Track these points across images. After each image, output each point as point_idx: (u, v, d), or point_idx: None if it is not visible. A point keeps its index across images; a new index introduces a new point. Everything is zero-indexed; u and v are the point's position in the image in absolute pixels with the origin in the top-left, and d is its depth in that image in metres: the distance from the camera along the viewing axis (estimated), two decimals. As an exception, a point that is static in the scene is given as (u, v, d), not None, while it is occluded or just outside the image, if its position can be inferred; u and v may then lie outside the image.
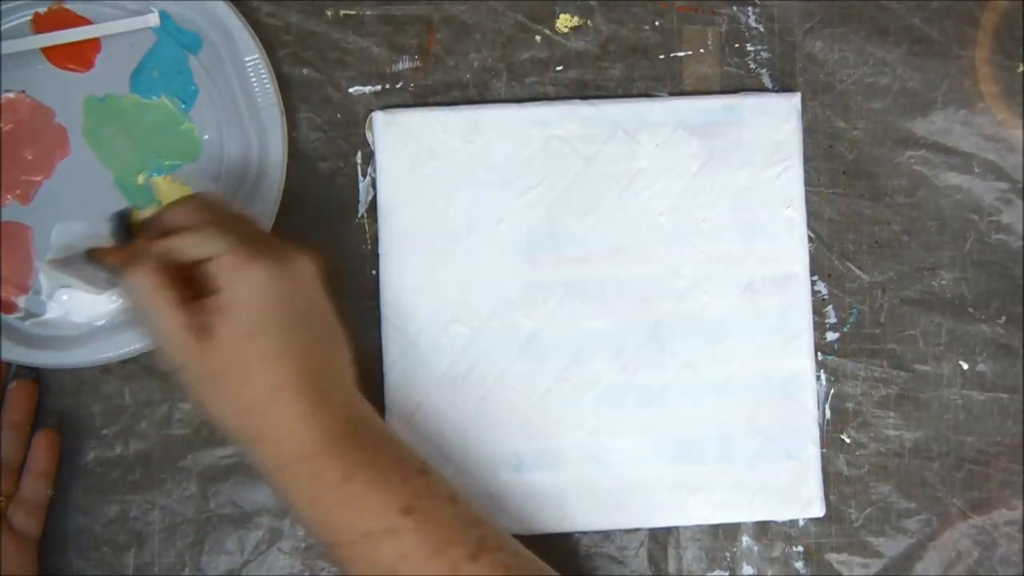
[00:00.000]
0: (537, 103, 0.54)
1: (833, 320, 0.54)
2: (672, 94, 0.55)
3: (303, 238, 0.53)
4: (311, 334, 0.42)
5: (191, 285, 0.42)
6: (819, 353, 0.54)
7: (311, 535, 0.45)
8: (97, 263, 0.45)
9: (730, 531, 0.54)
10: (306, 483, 0.42)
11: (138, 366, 0.53)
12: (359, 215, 0.54)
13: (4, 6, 0.52)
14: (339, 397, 0.43)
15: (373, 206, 0.54)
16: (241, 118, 0.53)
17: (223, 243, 0.41)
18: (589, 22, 0.55)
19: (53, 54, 0.53)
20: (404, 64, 0.55)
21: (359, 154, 0.54)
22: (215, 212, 0.44)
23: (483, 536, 0.43)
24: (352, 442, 0.43)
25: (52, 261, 0.49)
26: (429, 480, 0.44)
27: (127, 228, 0.46)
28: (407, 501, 0.42)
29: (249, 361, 0.41)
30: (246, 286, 0.40)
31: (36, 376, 0.52)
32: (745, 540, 0.54)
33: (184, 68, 0.53)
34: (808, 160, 0.54)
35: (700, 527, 0.54)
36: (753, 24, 0.55)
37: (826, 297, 0.54)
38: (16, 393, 0.51)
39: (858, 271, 0.55)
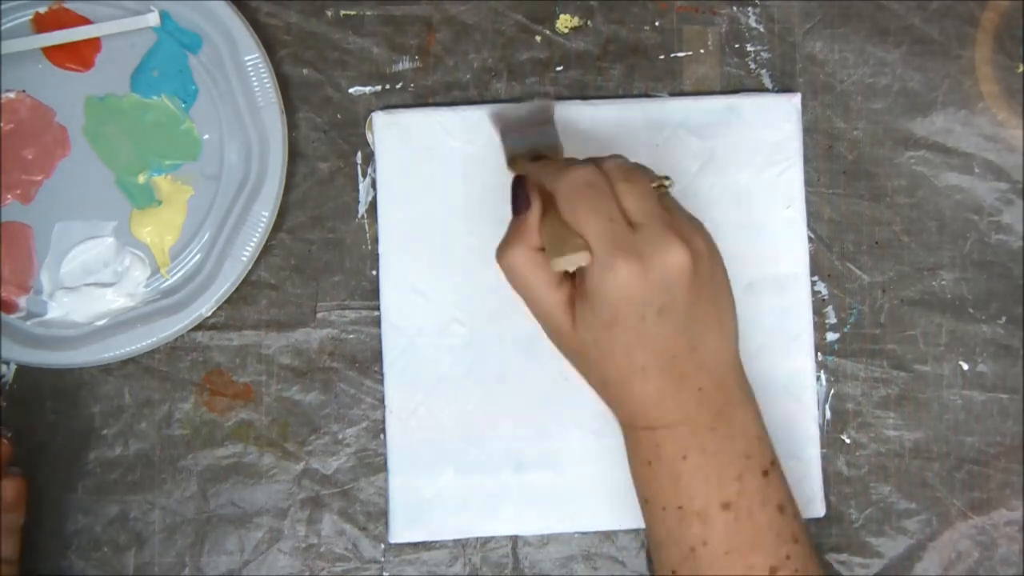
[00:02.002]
0: (537, 103, 0.54)
1: (833, 320, 0.54)
2: (672, 94, 0.55)
3: (303, 239, 0.54)
4: (671, 326, 0.41)
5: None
6: (819, 353, 0.54)
7: (634, 484, 0.46)
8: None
9: (730, 531, 0.54)
10: (645, 448, 0.44)
11: (138, 366, 0.53)
12: (359, 215, 0.54)
13: (4, 5, 0.52)
14: (703, 380, 0.43)
15: (373, 206, 0.54)
16: (241, 118, 0.53)
17: (594, 234, 0.41)
18: (589, 22, 0.55)
19: (53, 54, 0.53)
20: (404, 64, 0.55)
21: (359, 154, 0.54)
22: (599, 192, 0.41)
23: (790, 555, 0.44)
24: (700, 425, 0.43)
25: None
26: (766, 483, 0.44)
27: (523, 196, 0.44)
28: (730, 497, 0.43)
29: (607, 346, 0.42)
30: (607, 282, 0.40)
31: (11, 436, 0.51)
32: (745, 540, 0.54)
33: (184, 68, 0.53)
34: (808, 160, 0.54)
35: (700, 527, 0.54)
36: (753, 24, 0.55)
37: (826, 297, 0.54)
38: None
39: (858, 271, 0.55)
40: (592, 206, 0.41)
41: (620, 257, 0.40)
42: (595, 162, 0.43)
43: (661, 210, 0.42)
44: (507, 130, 0.50)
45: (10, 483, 0.48)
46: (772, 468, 0.45)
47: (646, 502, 0.45)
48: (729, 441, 0.44)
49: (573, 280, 0.43)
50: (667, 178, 0.44)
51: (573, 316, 0.42)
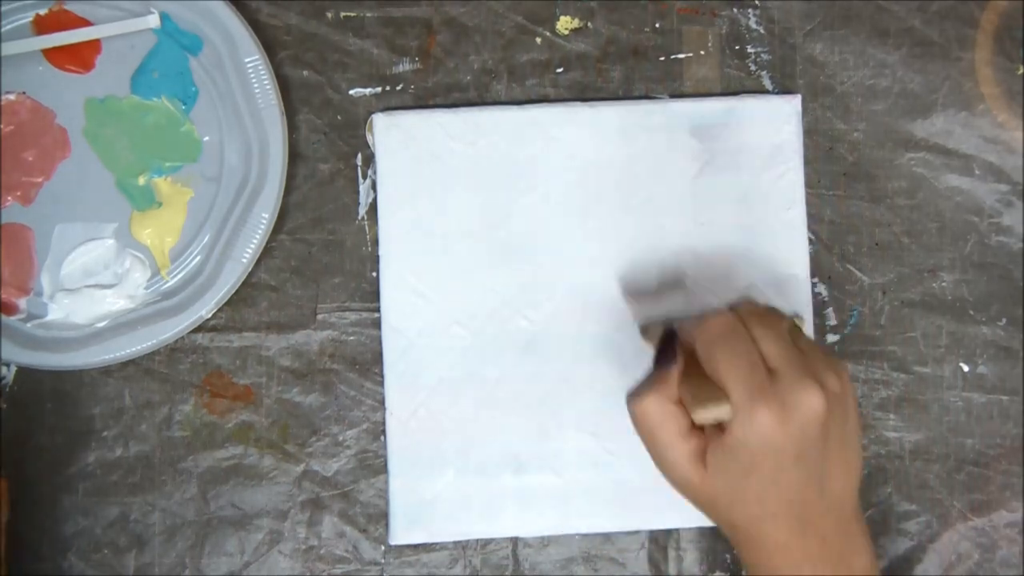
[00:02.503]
0: (537, 105, 0.54)
1: (833, 322, 0.54)
2: (672, 96, 0.55)
3: (303, 241, 0.54)
4: (804, 472, 0.42)
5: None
6: (819, 355, 0.54)
7: None
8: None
9: (730, 533, 0.54)
10: None
11: (138, 368, 0.53)
12: (359, 217, 0.54)
13: (5, 7, 0.52)
14: (828, 526, 0.43)
15: (373, 208, 0.54)
16: (241, 120, 0.53)
17: (734, 383, 0.41)
18: (589, 24, 0.55)
19: (54, 55, 0.53)
20: (404, 66, 0.55)
21: (359, 156, 0.54)
22: (738, 339, 0.42)
23: None
24: (823, 571, 0.43)
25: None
26: None
27: (671, 348, 0.46)
28: None
29: (741, 493, 0.42)
30: (749, 432, 0.41)
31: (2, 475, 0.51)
32: (745, 542, 0.54)
33: (184, 69, 0.53)
34: (808, 162, 0.54)
35: (700, 529, 0.54)
36: (753, 26, 0.55)
37: (826, 299, 0.54)
38: None
39: (858, 273, 0.55)
40: (732, 354, 0.42)
41: (761, 405, 0.40)
42: (730, 311, 0.43)
43: (797, 353, 0.42)
44: (640, 299, 0.53)
45: None
46: None
47: None
48: None
49: (701, 431, 0.43)
50: (799, 316, 0.46)
51: (703, 465, 0.43)
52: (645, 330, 0.51)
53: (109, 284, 0.53)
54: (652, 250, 0.53)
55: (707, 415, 0.42)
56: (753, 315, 0.43)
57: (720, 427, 0.42)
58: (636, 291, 0.53)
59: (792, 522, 0.42)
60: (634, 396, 0.44)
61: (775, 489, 0.42)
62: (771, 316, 0.44)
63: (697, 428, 0.43)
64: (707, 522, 0.53)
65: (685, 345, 0.44)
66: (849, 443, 0.43)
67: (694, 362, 0.43)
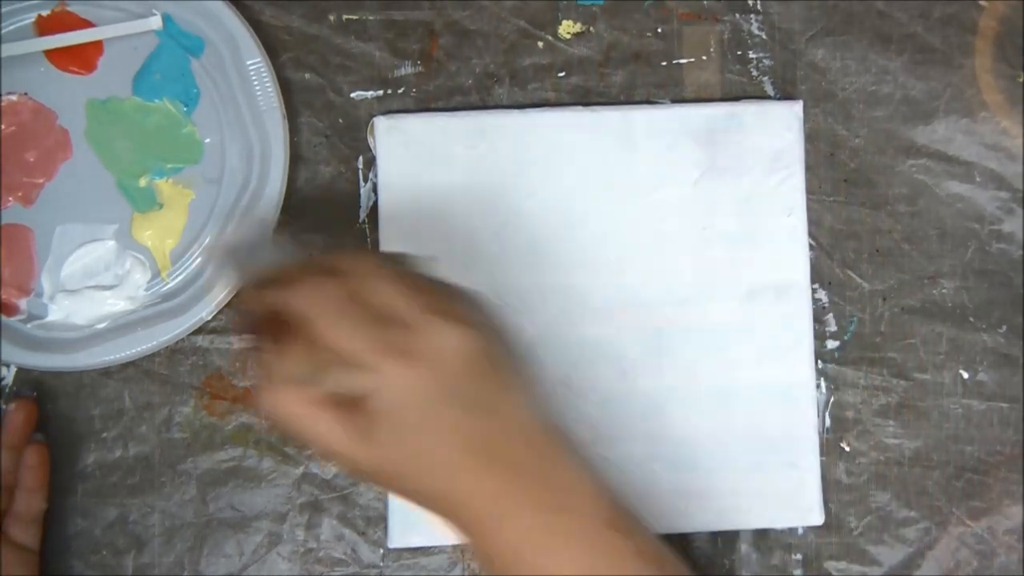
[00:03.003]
0: (539, 109, 0.54)
1: (833, 328, 0.54)
2: (674, 101, 0.55)
3: (305, 243, 0.54)
4: (462, 410, 0.39)
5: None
6: (819, 361, 0.54)
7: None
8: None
9: (729, 538, 0.54)
10: (488, 544, 0.41)
11: (138, 369, 0.53)
12: (360, 220, 0.54)
13: (6, 8, 0.52)
14: (519, 454, 0.40)
15: (374, 211, 0.54)
16: (243, 122, 0.53)
17: (358, 350, 0.38)
18: (591, 28, 0.55)
19: (55, 56, 0.53)
20: (406, 69, 0.55)
21: (360, 159, 0.54)
22: (349, 300, 0.39)
23: None
24: (530, 503, 0.40)
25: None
26: (618, 534, 0.41)
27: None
28: (586, 569, 0.40)
29: (412, 455, 0.39)
30: (389, 391, 0.38)
31: (35, 396, 0.52)
32: (744, 548, 0.54)
33: (186, 71, 0.53)
34: (809, 168, 0.54)
35: (699, 534, 0.54)
36: (755, 31, 0.55)
37: (826, 305, 0.54)
38: (15, 416, 0.51)
39: (859, 279, 0.55)
40: (346, 318, 0.38)
41: (394, 360, 0.38)
42: (334, 266, 0.40)
43: (423, 297, 0.40)
44: (229, 261, 0.46)
45: (33, 449, 0.50)
46: (621, 518, 0.42)
47: None
48: (566, 510, 0.41)
49: (349, 401, 0.39)
50: (419, 258, 0.43)
51: (362, 439, 0.39)
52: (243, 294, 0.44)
53: (110, 285, 0.53)
54: (653, 255, 0.53)
55: (334, 386, 0.38)
56: (363, 270, 0.40)
57: (363, 395, 0.39)
58: (224, 253, 0.47)
59: (472, 462, 0.39)
60: (258, 396, 0.40)
61: (438, 438, 0.39)
62: (383, 267, 0.40)
63: (345, 398, 0.39)
64: (706, 528, 0.53)
65: (287, 315, 0.39)
66: (503, 367, 0.41)
67: (305, 331, 0.39)
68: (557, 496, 0.41)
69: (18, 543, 0.49)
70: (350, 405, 0.39)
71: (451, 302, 0.41)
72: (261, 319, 0.41)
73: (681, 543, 0.54)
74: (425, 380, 0.38)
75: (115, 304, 0.53)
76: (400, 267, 0.42)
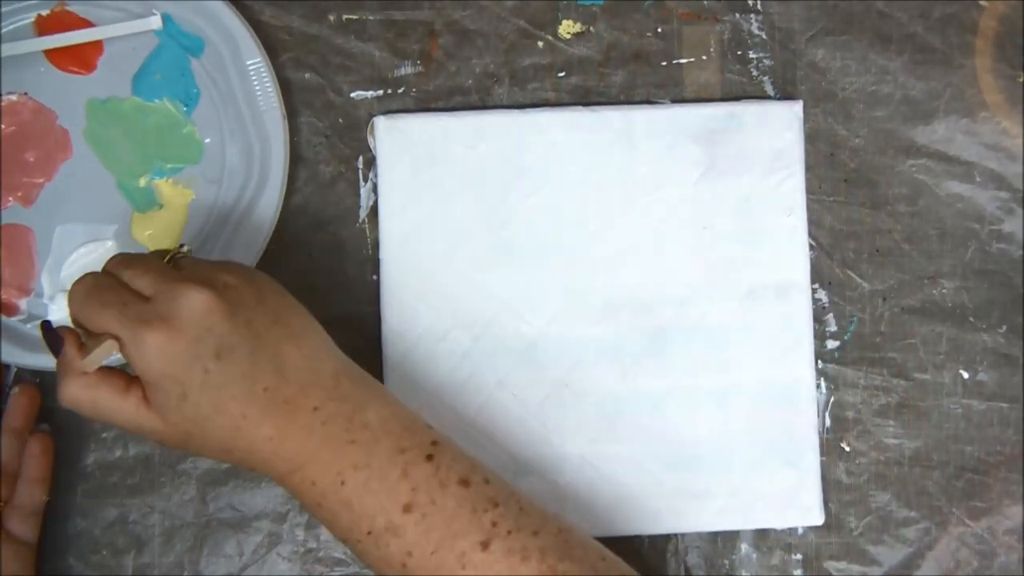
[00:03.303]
0: (539, 109, 0.54)
1: (833, 328, 0.54)
2: (674, 101, 0.55)
3: (304, 244, 0.54)
4: (241, 364, 0.41)
5: None
6: (819, 361, 0.54)
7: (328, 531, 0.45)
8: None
9: (729, 539, 0.54)
10: (307, 493, 0.42)
11: (138, 369, 0.53)
12: (360, 220, 0.54)
13: (6, 8, 0.52)
14: (314, 397, 0.42)
15: (374, 211, 0.54)
16: (243, 122, 0.53)
17: (113, 323, 0.41)
18: (591, 28, 0.55)
19: (55, 56, 0.53)
20: (406, 69, 0.55)
21: (360, 159, 0.54)
22: (105, 288, 0.42)
23: (496, 519, 0.42)
24: (336, 444, 0.42)
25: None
26: (436, 466, 0.42)
27: (53, 334, 0.45)
28: (406, 498, 0.41)
29: (200, 418, 0.41)
30: (146, 357, 0.40)
31: (39, 381, 0.52)
32: (744, 548, 0.54)
33: (186, 71, 0.53)
34: (809, 168, 0.54)
35: (699, 534, 0.54)
36: (755, 31, 0.55)
37: (826, 305, 0.54)
38: (19, 400, 0.51)
39: (859, 279, 0.55)
40: (102, 302, 0.41)
41: (143, 330, 0.40)
42: (90, 272, 0.43)
43: (170, 272, 0.42)
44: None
45: (37, 438, 0.50)
46: (435, 448, 0.43)
47: (346, 542, 0.43)
48: (376, 444, 0.42)
49: (138, 381, 0.42)
50: (182, 245, 0.46)
51: (148, 410, 0.42)
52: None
53: (109, 285, 0.53)
54: (652, 255, 0.53)
55: (94, 360, 0.42)
56: (118, 263, 0.43)
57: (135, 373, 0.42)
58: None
59: (269, 414, 0.41)
60: (59, 393, 0.43)
61: (223, 394, 0.41)
62: (136, 256, 0.44)
63: (130, 381, 0.42)
64: (706, 528, 0.53)
65: (74, 320, 0.43)
66: (283, 316, 0.43)
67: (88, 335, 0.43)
68: (366, 438, 0.42)
69: (16, 537, 0.49)
70: (131, 382, 0.42)
71: (205, 271, 0.42)
72: (54, 328, 0.44)
73: (680, 543, 0.54)
74: (177, 342, 0.40)
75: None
76: (152, 256, 0.45)
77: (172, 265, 0.44)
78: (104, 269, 0.43)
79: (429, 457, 0.43)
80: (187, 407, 0.41)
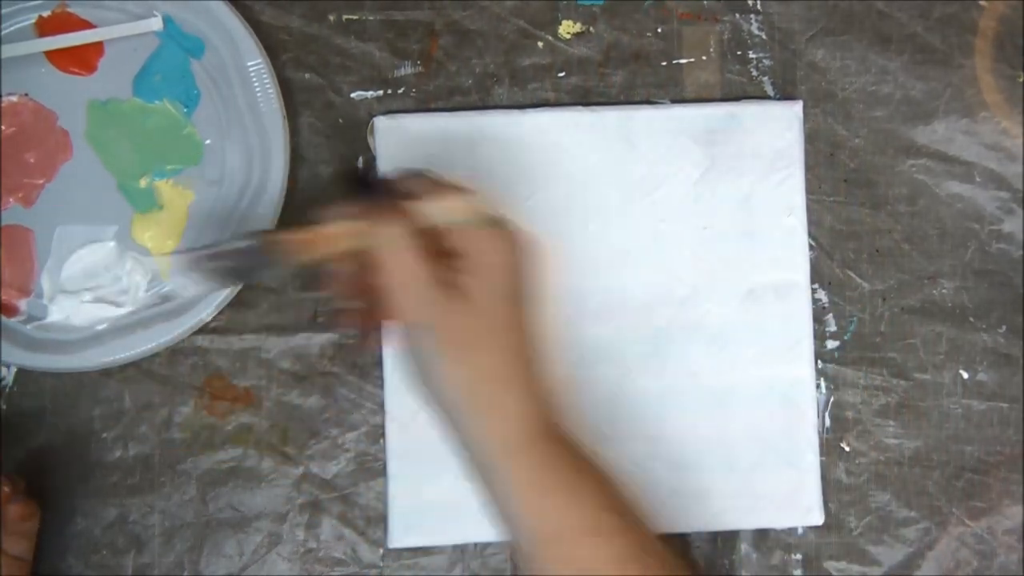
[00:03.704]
0: (539, 109, 0.54)
1: (833, 328, 0.54)
2: (674, 101, 0.55)
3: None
4: (529, 311, 0.42)
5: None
6: (819, 361, 0.54)
7: (508, 527, 0.43)
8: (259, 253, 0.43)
9: (729, 538, 0.54)
10: (536, 467, 0.42)
11: (138, 370, 0.53)
12: (360, 220, 0.54)
13: (7, 9, 0.52)
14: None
15: (374, 211, 0.54)
16: (243, 122, 0.53)
17: (467, 210, 0.42)
18: (591, 28, 0.55)
19: (56, 57, 0.53)
20: (406, 69, 0.55)
21: (360, 159, 0.54)
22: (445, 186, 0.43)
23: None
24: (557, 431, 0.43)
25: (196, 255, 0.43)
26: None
27: (365, 184, 0.44)
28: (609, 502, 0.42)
29: (500, 324, 0.41)
30: (496, 251, 0.41)
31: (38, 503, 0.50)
32: (744, 547, 0.54)
33: (187, 72, 0.53)
34: (809, 168, 0.54)
35: (699, 534, 0.54)
36: (755, 31, 0.55)
37: (826, 305, 0.54)
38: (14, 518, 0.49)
39: (859, 279, 0.55)
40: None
41: (498, 229, 0.42)
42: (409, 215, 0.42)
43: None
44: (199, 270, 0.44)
45: (18, 507, 0.49)
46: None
47: (538, 542, 0.42)
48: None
49: (445, 263, 0.42)
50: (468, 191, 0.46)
51: (454, 296, 0.41)
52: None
53: (110, 286, 0.53)
54: (652, 255, 0.53)
55: (435, 211, 0.42)
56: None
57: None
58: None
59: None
60: (382, 262, 0.42)
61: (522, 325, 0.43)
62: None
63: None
64: (706, 527, 0.53)
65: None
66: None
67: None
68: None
69: (11, 554, 0.48)
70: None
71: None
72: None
73: (681, 543, 0.54)
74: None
75: (115, 306, 0.53)
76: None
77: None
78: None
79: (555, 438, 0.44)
80: (501, 309, 0.42)
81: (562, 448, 0.42)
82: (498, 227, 0.42)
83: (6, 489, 0.48)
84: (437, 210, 0.42)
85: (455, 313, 0.41)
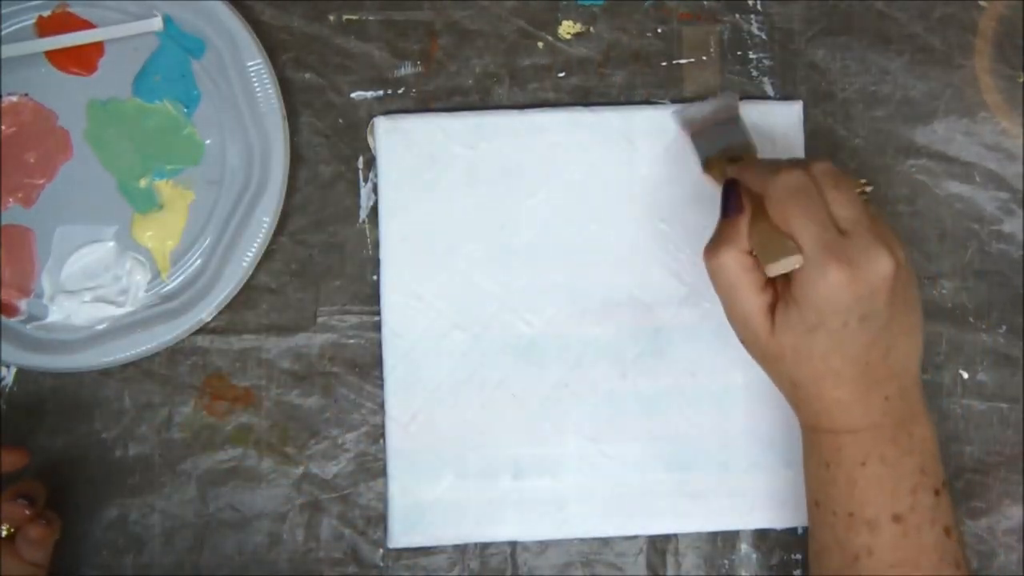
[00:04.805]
0: (539, 110, 0.54)
1: (833, 328, 0.54)
2: (674, 101, 0.55)
3: (304, 244, 0.54)
4: (868, 333, 0.42)
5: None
6: (819, 361, 0.54)
7: (806, 487, 0.47)
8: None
9: (729, 538, 0.54)
10: (826, 451, 0.45)
11: (138, 370, 0.53)
12: (360, 220, 0.54)
13: (7, 9, 0.52)
14: (890, 389, 0.44)
15: (374, 211, 0.54)
16: (243, 123, 0.53)
17: (807, 239, 0.41)
18: (591, 29, 0.55)
19: (56, 57, 0.53)
20: (406, 69, 0.55)
21: (361, 159, 0.54)
22: (810, 197, 0.42)
23: None
24: (883, 434, 0.44)
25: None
26: (937, 502, 0.44)
27: (735, 199, 0.45)
28: (902, 511, 0.44)
29: (806, 350, 0.43)
30: (818, 286, 0.41)
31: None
32: (744, 548, 0.54)
33: (187, 72, 0.53)
34: (809, 168, 0.54)
35: (699, 534, 0.54)
36: (755, 31, 0.55)
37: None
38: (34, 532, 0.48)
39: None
40: (804, 211, 0.42)
41: (832, 263, 0.41)
42: (802, 165, 0.43)
43: (868, 216, 0.42)
44: (697, 131, 0.52)
45: (37, 530, 0.47)
46: (943, 489, 0.45)
47: (816, 505, 0.46)
48: (907, 455, 0.44)
49: (775, 286, 0.44)
50: (868, 184, 0.46)
51: (771, 320, 0.43)
52: (708, 164, 0.50)
53: (110, 286, 0.53)
54: (652, 255, 0.53)
55: (780, 267, 0.42)
56: (827, 175, 0.43)
57: (789, 282, 0.42)
58: (692, 123, 0.52)
59: (855, 382, 0.43)
60: (710, 249, 0.44)
61: (839, 347, 0.42)
62: (844, 178, 0.43)
63: (772, 281, 0.44)
64: (706, 528, 0.53)
65: (752, 193, 0.44)
66: (913, 311, 0.44)
67: (760, 210, 0.43)
68: (904, 444, 0.44)
69: (28, 560, 0.48)
70: (768, 286, 0.44)
71: (889, 234, 0.43)
72: (739, 191, 0.45)
73: (679, 543, 0.54)
74: (851, 291, 0.41)
75: (115, 306, 0.53)
76: (855, 188, 0.44)
77: (862, 201, 0.43)
78: (812, 173, 0.43)
79: (936, 492, 0.45)
80: (807, 339, 0.42)
81: (874, 443, 0.44)
82: (829, 258, 0.41)
83: (27, 512, 0.47)
84: (775, 247, 0.42)
85: (769, 336, 0.44)
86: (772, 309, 0.43)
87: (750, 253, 0.44)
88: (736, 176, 0.46)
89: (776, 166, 0.43)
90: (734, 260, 0.43)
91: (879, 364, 0.43)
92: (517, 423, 0.53)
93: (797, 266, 0.41)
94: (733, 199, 0.45)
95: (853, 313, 0.41)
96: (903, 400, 0.44)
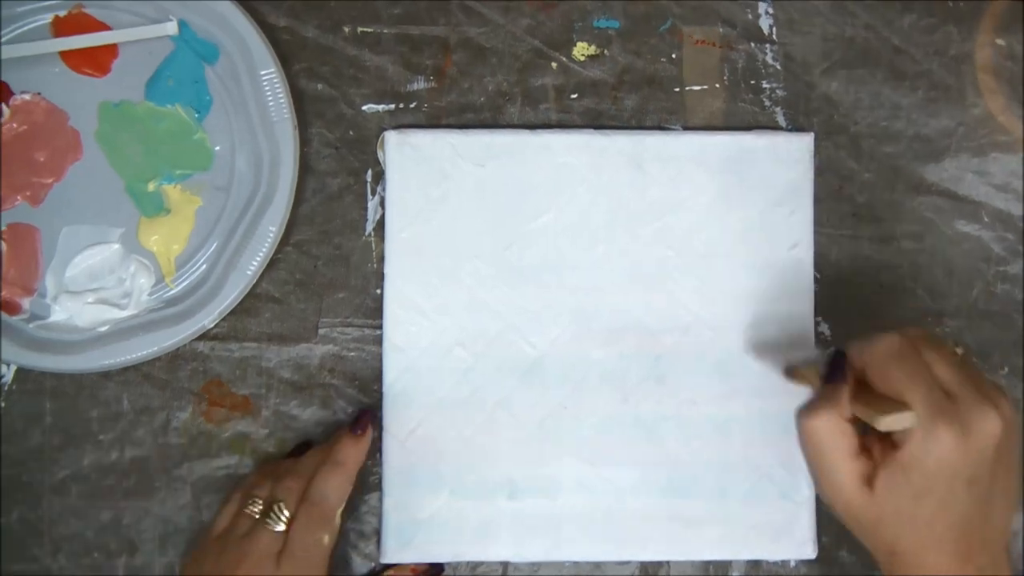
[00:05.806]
0: (550, 131, 0.54)
1: (835, 362, 0.54)
2: (685, 128, 0.55)
3: (309, 254, 0.54)
4: (973, 497, 0.41)
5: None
6: (819, 394, 0.54)
7: None
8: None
9: (721, 568, 0.54)
10: None
11: (138, 373, 0.53)
12: (366, 233, 0.54)
13: (23, 7, 0.52)
14: (983, 559, 0.42)
15: (381, 225, 0.54)
16: (254, 130, 0.53)
17: (916, 401, 0.41)
18: (606, 51, 0.55)
19: (70, 58, 0.53)
20: (419, 84, 0.55)
21: (369, 172, 0.54)
22: (913, 361, 0.42)
23: None
24: None
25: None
26: None
27: (840, 367, 0.45)
28: None
29: (910, 516, 0.42)
30: (927, 451, 0.41)
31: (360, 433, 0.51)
32: (736, 578, 0.54)
33: (200, 78, 0.53)
34: (818, 200, 0.54)
35: (691, 562, 0.54)
36: (770, 61, 0.55)
37: (829, 338, 0.54)
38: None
39: (863, 314, 0.54)
40: (909, 374, 0.42)
41: (943, 425, 0.40)
42: (897, 331, 0.43)
43: (970, 376, 0.42)
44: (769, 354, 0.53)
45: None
46: None
47: None
48: None
49: (868, 454, 0.43)
50: (958, 345, 0.46)
51: (868, 487, 0.42)
52: (791, 372, 0.50)
53: (113, 288, 0.53)
54: (658, 281, 0.53)
55: (892, 423, 0.41)
56: (921, 339, 0.43)
57: (893, 447, 0.41)
58: (762, 348, 0.53)
59: (956, 550, 0.42)
60: (805, 412, 0.43)
61: (945, 514, 0.41)
62: (938, 340, 0.43)
63: (865, 450, 0.43)
64: (699, 556, 0.53)
65: (854, 368, 0.44)
66: (1013, 471, 0.43)
67: (863, 385, 0.43)
68: None
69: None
70: (878, 454, 0.42)
71: (994, 392, 0.42)
72: (838, 361, 0.45)
73: (671, 570, 0.53)
74: (961, 454, 0.40)
75: (117, 308, 0.53)
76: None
77: (964, 361, 0.43)
78: (907, 338, 0.43)
79: None
80: (912, 505, 0.41)
81: None
82: (939, 420, 0.41)
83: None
84: (888, 420, 0.42)
85: (868, 502, 0.42)
86: (865, 476, 0.42)
87: (849, 421, 0.43)
88: (840, 349, 0.45)
89: (870, 336, 0.43)
90: (831, 423, 0.42)
91: (978, 530, 0.42)
92: (515, 443, 0.53)
93: (909, 424, 0.41)
94: (839, 366, 0.44)
95: (961, 477, 0.41)
96: (994, 568, 0.42)
